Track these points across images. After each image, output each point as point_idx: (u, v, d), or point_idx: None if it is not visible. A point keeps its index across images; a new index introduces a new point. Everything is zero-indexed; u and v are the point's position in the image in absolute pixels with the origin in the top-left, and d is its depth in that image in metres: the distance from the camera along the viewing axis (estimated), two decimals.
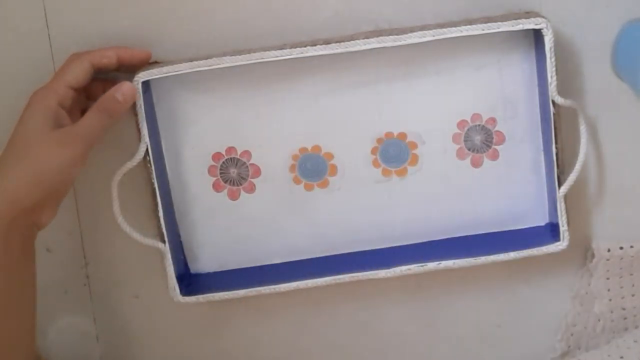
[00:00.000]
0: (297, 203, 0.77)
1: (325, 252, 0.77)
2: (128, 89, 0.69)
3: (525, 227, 0.77)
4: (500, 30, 0.70)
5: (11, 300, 0.67)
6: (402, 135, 0.76)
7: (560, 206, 0.73)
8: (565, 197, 0.73)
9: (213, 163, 0.76)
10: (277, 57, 0.70)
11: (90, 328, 0.81)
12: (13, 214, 0.65)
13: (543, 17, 0.70)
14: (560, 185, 0.73)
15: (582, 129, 0.72)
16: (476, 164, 0.76)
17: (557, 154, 0.72)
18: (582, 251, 0.79)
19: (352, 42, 0.70)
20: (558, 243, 0.74)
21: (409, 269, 0.74)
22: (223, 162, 0.76)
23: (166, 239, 0.74)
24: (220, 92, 0.74)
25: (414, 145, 0.76)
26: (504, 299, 0.81)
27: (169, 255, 0.74)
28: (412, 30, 0.71)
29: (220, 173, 0.76)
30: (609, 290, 0.79)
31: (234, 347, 0.81)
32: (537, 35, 0.71)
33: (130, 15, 0.73)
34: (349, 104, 0.75)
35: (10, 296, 0.67)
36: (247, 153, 0.76)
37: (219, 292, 0.75)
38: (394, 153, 0.76)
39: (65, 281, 0.80)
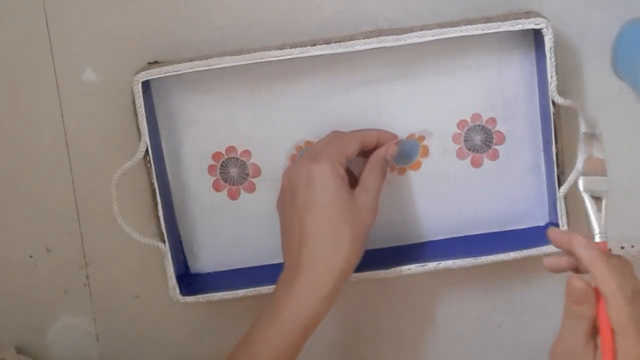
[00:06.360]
0: None
1: None
2: (394, 151, 0.73)
3: (525, 227, 0.77)
4: (500, 30, 0.70)
5: None
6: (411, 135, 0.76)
7: (560, 206, 0.73)
8: (565, 197, 0.73)
9: (213, 162, 0.76)
10: (277, 57, 0.70)
11: (90, 328, 0.81)
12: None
13: (543, 17, 0.70)
14: (560, 185, 0.73)
15: (582, 129, 0.72)
16: (476, 163, 0.76)
17: (557, 154, 0.72)
18: None
19: (352, 42, 0.70)
20: None
21: (409, 269, 0.74)
22: (223, 162, 0.76)
23: (166, 239, 0.74)
24: (220, 92, 0.74)
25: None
26: (504, 299, 0.80)
27: (169, 255, 0.74)
28: (412, 30, 0.71)
29: (220, 172, 0.76)
30: None
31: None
32: (537, 35, 0.71)
33: (131, 15, 0.73)
34: (349, 104, 0.75)
35: None
36: (247, 152, 0.76)
37: (219, 292, 0.75)
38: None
39: (65, 281, 0.80)
